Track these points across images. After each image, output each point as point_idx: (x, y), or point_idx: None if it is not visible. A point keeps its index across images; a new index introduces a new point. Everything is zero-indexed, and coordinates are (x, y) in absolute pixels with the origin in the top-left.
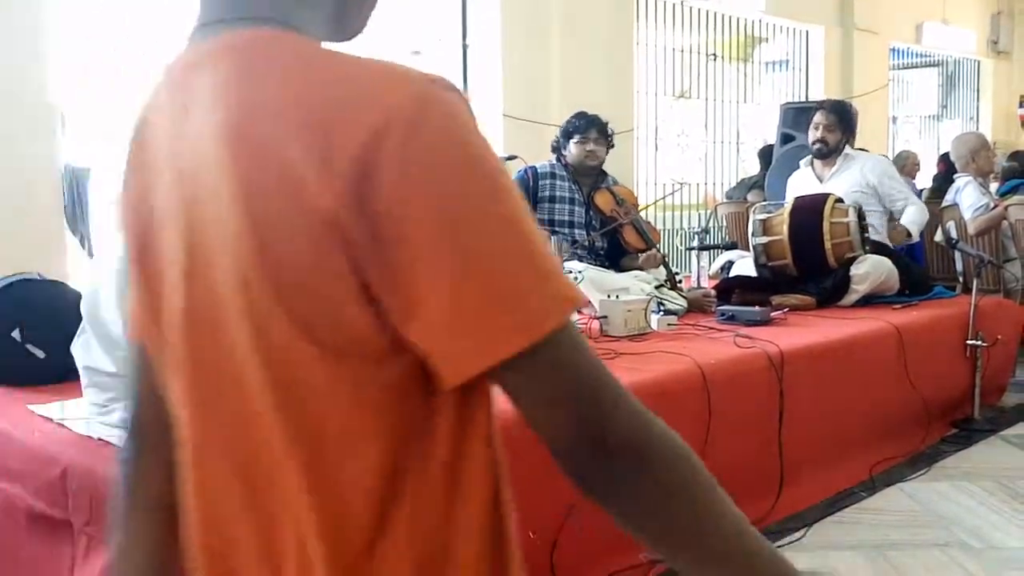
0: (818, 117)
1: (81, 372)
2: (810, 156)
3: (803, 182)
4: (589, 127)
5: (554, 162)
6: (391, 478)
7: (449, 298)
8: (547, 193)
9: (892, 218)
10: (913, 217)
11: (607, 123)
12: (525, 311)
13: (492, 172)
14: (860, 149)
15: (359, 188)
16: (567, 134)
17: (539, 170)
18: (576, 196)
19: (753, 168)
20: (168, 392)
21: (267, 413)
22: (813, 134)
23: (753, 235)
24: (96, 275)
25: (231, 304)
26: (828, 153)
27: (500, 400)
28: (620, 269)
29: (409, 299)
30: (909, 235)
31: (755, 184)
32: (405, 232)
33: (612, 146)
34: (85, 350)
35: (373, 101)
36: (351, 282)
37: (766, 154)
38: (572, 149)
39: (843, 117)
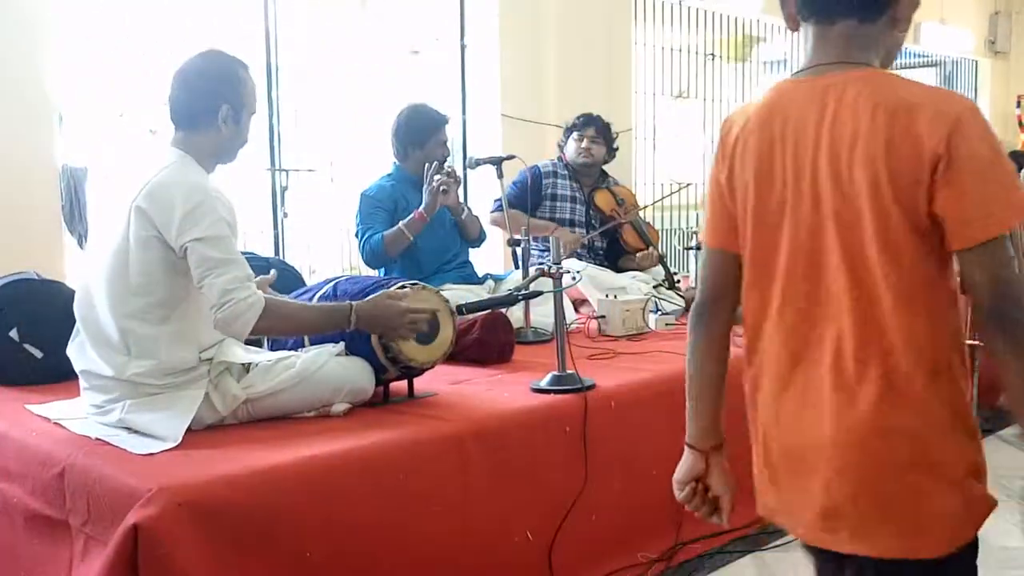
0: None
1: (79, 375)
2: None
3: None
4: (587, 124)
5: (556, 161)
6: (910, 305)
7: (971, 194)
8: (548, 191)
9: None
10: None
11: (609, 124)
12: (1000, 216)
13: (997, 148)
14: None
15: (949, 142)
16: (567, 131)
17: (541, 169)
18: (577, 195)
19: None
20: (762, 276)
21: (876, 266)
22: None
23: None
24: (86, 276)
25: (864, 206)
26: None
27: (499, 405)
28: (618, 269)
29: (952, 192)
30: None
31: None
32: (959, 163)
33: (615, 149)
34: (80, 353)
35: (955, 102)
36: (928, 189)
37: None
38: (571, 145)
39: None
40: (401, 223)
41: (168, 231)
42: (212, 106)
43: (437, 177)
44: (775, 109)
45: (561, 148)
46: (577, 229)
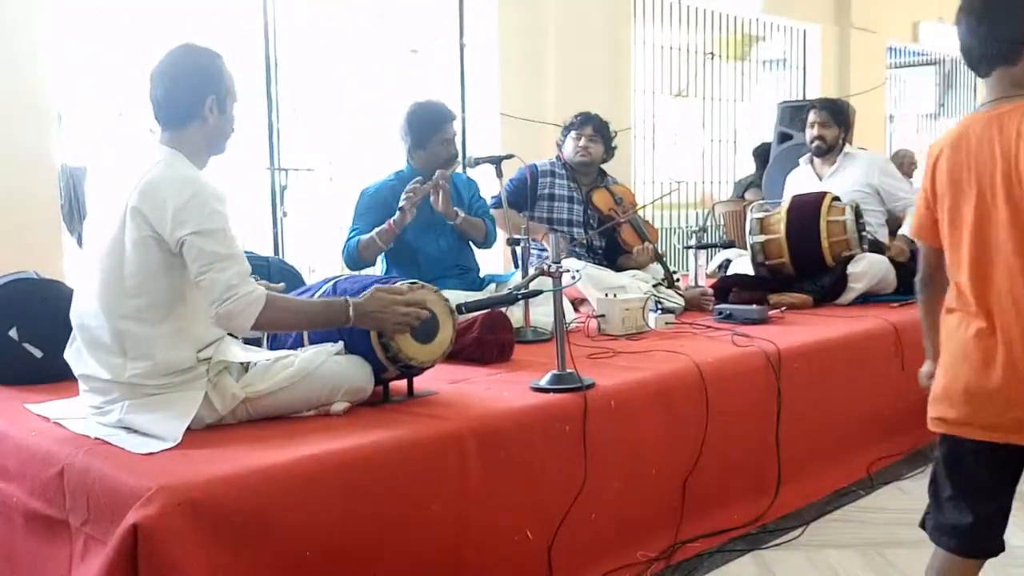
0: (811, 116)
1: (78, 378)
2: (810, 154)
3: (802, 180)
4: (585, 123)
5: (554, 160)
6: None
7: None
8: (546, 191)
9: (891, 219)
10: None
11: (607, 123)
12: None
13: None
14: (859, 148)
15: None
16: (565, 130)
17: (539, 168)
18: (575, 195)
19: (749, 167)
20: (956, 258)
21: (1012, 245)
22: (810, 133)
23: (750, 233)
24: (80, 280)
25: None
26: (828, 150)
27: (498, 405)
28: (617, 268)
29: None
30: (913, 242)
31: (751, 183)
32: None
33: (613, 148)
34: (77, 358)
35: None
36: None
37: (762, 153)
38: (568, 144)
39: (835, 112)
40: (375, 231)
41: (163, 228)
42: (197, 100)
43: (403, 196)
44: (963, 134)
45: (560, 147)
46: (575, 229)
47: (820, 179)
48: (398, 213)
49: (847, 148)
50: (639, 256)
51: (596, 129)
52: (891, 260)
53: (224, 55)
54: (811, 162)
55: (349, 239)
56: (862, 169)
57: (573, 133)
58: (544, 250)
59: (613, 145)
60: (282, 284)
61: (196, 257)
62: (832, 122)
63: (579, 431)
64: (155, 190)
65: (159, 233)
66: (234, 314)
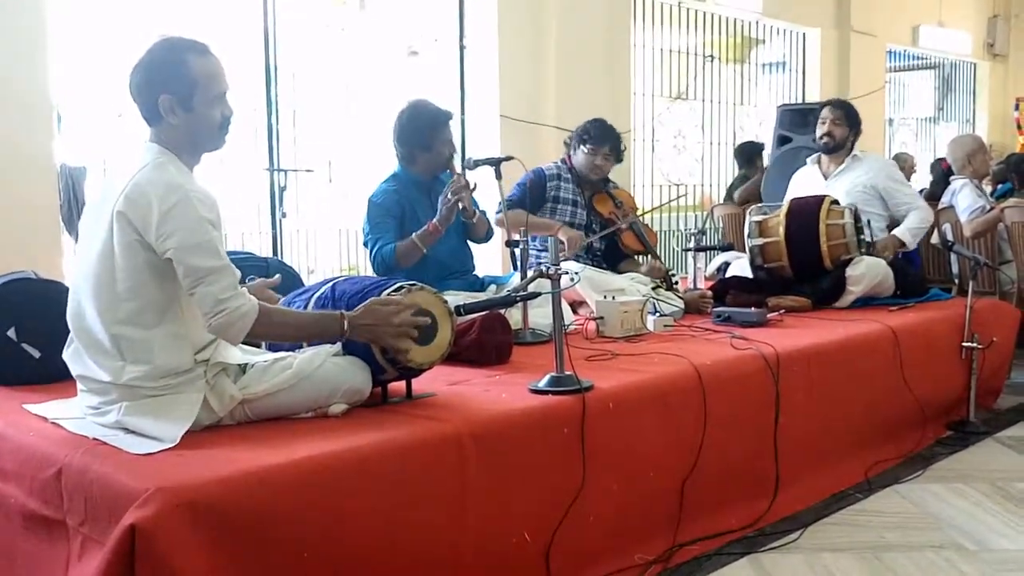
0: (825, 112)
1: (76, 379)
2: (817, 154)
3: (807, 179)
4: (603, 142)
5: (559, 163)
6: None
7: None
8: (551, 194)
9: (892, 224)
10: (911, 223)
11: (621, 140)
12: None
13: None
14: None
15: None
16: (581, 139)
17: (546, 172)
18: (578, 199)
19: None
20: None
21: None
22: (820, 128)
23: (749, 237)
24: (74, 284)
25: None
26: (835, 148)
27: (497, 406)
28: (619, 272)
29: None
30: (902, 244)
31: (733, 185)
32: None
33: (620, 160)
34: (77, 359)
35: None
36: None
37: (743, 152)
38: (580, 156)
39: (850, 113)
40: (415, 235)
41: (148, 235)
42: (152, 100)
43: (451, 195)
44: None
45: (568, 146)
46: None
47: (826, 178)
48: (444, 209)
49: (856, 152)
50: (650, 274)
51: (613, 148)
52: (889, 261)
53: (209, 47)
54: (818, 161)
55: (381, 247)
56: (867, 171)
57: (590, 147)
58: (544, 251)
59: (621, 159)
60: (277, 276)
61: (184, 273)
62: (844, 122)
63: (577, 433)
64: (140, 195)
65: (145, 239)
66: (225, 328)
